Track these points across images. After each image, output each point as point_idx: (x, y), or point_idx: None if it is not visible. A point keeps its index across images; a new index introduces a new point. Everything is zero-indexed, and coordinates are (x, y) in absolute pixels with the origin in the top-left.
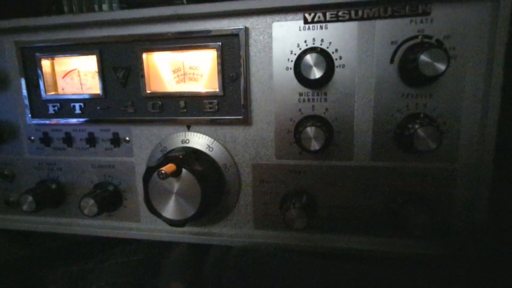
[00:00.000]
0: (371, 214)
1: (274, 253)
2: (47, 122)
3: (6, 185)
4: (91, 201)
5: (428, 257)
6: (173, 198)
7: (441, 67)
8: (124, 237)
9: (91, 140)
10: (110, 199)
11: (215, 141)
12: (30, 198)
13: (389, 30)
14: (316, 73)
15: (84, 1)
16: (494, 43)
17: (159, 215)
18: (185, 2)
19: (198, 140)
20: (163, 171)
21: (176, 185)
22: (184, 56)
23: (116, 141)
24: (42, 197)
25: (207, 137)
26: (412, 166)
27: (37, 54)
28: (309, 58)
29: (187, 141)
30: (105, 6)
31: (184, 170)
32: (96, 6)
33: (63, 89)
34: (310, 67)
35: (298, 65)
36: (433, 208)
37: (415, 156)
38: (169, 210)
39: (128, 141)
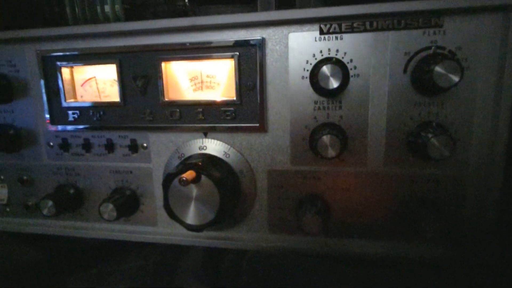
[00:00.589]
0: (384, 219)
1: (289, 257)
2: (66, 128)
3: (25, 189)
4: (111, 206)
5: (439, 261)
6: (192, 204)
7: (455, 78)
8: (141, 241)
9: (109, 146)
10: (128, 204)
11: (232, 148)
12: (50, 203)
13: (402, 41)
14: (334, 83)
15: (87, 2)
16: (505, 54)
17: (179, 221)
18: (187, 3)
19: (215, 147)
20: (184, 178)
21: (195, 191)
22: (202, 65)
23: (134, 147)
24: (61, 201)
25: (224, 144)
26: (424, 172)
27: (58, 62)
28: (326, 69)
29: (205, 147)
30: (107, 7)
31: (203, 177)
32: (98, 7)
33: (81, 97)
34: (327, 77)
35: (315, 75)
36: (444, 213)
37: (427, 162)
38: (189, 215)
39: (145, 147)
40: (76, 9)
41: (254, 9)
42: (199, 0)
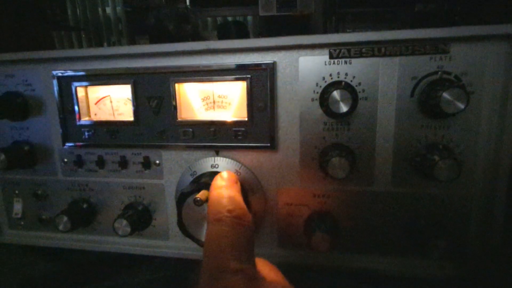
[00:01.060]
0: (391, 236)
1: (297, 271)
2: (81, 145)
3: (39, 204)
4: (124, 222)
5: (444, 278)
6: (206, 221)
7: (461, 105)
8: (153, 255)
9: (123, 163)
10: (141, 219)
11: (243, 166)
12: (65, 218)
13: (410, 66)
14: (343, 108)
15: (88, 4)
16: (509, 79)
17: (192, 238)
18: (188, 6)
19: (227, 165)
20: (198, 199)
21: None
22: (214, 86)
23: (147, 164)
24: (76, 217)
25: (235, 162)
26: (430, 192)
27: (73, 82)
28: (336, 94)
29: (217, 165)
30: (108, 9)
31: None
32: (99, 9)
33: (95, 115)
34: (337, 102)
35: (325, 99)
36: (450, 232)
37: (433, 182)
38: (202, 232)
39: (158, 164)
40: (78, 11)
41: (255, 11)
42: (201, 3)
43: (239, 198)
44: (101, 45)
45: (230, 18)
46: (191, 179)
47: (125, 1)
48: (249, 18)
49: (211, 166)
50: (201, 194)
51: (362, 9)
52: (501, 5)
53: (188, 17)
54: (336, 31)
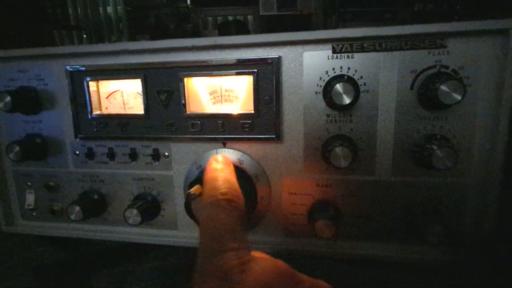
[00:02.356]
0: (391, 224)
1: (301, 258)
2: (92, 138)
3: (51, 195)
4: (135, 211)
5: (441, 263)
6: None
7: (458, 97)
8: (162, 244)
9: (133, 155)
10: (151, 209)
11: (249, 157)
12: (77, 208)
13: (409, 60)
14: (346, 100)
15: (89, 3)
16: (504, 72)
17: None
18: (189, 5)
19: (233, 156)
20: (192, 193)
21: None
22: (222, 80)
23: (156, 156)
24: (87, 207)
25: (241, 153)
26: (428, 181)
27: (85, 77)
28: (339, 87)
29: None
30: (109, 9)
31: None
32: (101, 8)
33: (106, 108)
34: (340, 94)
35: (329, 91)
36: (446, 218)
37: (431, 172)
38: None
39: (167, 156)
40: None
41: (256, 10)
42: (201, 2)
43: (233, 180)
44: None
45: (230, 18)
46: (197, 172)
47: (125, 0)
48: (250, 17)
49: None
50: (195, 189)
51: (362, 9)
52: (499, 5)
53: (189, 16)
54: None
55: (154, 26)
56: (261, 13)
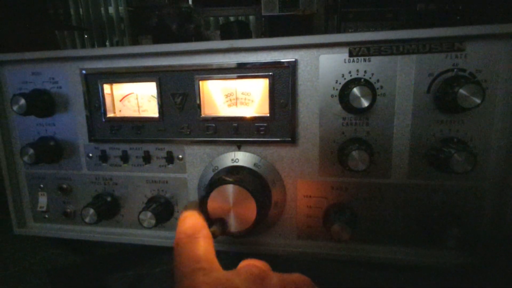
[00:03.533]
0: (407, 227)
1: (315, 262)
2: (106, 141)
3: (64, 198)
4: (149, 214)
5: (458, 267)
6: (231, 214)
7: (477, 100)
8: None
9: (146, 158)
10: (164, 212)
11: (264, 160)
12: (92, 211)
13: (426, 64)
14: (365, 103)
15: (91, 4)
16: None
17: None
18: (191, 5)
19: (247, 159)
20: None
21: (231, 201)
22: (237, 83)
23: (170, 159)
24: (101, 210)
25: (256, 156)
26: (445, 184)
27: (100, 80)
28: (357, 90)
29: (237, 160)
30: (111, 9)
31: (239, 188)
32: (102, 9)
33: (120, 111)
34: (358, 98)
35: (346, 95)
36: (464, 222)
37: (448, 175)
38: (232, 225)
39: (181, 159)
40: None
41: (258, 10)
42: (203, 2)
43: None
44: (104, 45)
45: (232, 18)
46: (212, 173)
47: (127, 0)
48: (251, 17)
49: (232, 160)
50: (214, 230)
51: (364, 9)
52: (502, 4)
53: (191, 17)
54: (338, 30)
55: (156, 27)
56: (263, 14)
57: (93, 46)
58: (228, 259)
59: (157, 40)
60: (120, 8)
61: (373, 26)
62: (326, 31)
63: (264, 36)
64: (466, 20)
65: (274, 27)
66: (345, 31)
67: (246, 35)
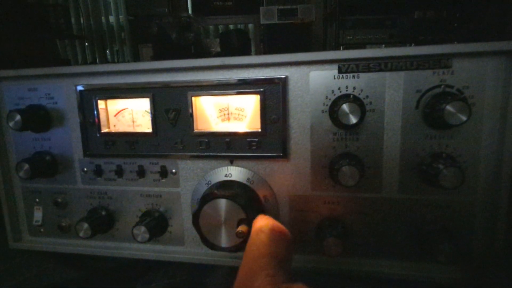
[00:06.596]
0: (398, 241)
1: (310, 276)
2: (100, 155)
3: (59, 212)
4: (143, 228)
5: (450, 281)
6: (223, 229)
7: (464, 117)
8: (169, 260)
9: (140, 172)
10: (158, 226)
11: (256, 174)
12: (86, 225)
13: (414, 80)
14: (353, 120)
15: (91, 13)
16: (508, 92)
17: (214, 247)
18: (191, 14)
19: (240, 174)
20: (240, 231)
21: (223, 217)
22: (229, 99)
23: (163, 173)
24: (95, 224)
25: (248, 171)
26: (435, 199)
27: (94, 96)
28: (346, 107)
29: (230, 175)
30: (111, 18)
31: (231, 202)
32: (103, 18)
33: (114, 126)
34: (347, 114)
35: (335, 111)
36: (455, 236)
37: (438, 189)
38: (223, 240)
39: (175, 173)
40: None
41: (257, 19)
42: (203, 12)
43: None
44: (104, 53)
45: (231, 26)
46: (206, 187)
47: (128, 10)
48: (250, 26)
49: (225, 175)
50: (243, 228)
51: (362, 17)
52: (498, 14)
53: (191, 26)
54: (337, 38)
55: (156, 35)
56: (262, 22)
57: (93, 54)
58: (221, 273)
59: (157, 49)
60: (120, 17)
61: (371, 34)
62: (324, 39)
63: (263, 44)
64: (463, 27)
65: (273, 35)
66: (343, 38)
67: (245, 43)
